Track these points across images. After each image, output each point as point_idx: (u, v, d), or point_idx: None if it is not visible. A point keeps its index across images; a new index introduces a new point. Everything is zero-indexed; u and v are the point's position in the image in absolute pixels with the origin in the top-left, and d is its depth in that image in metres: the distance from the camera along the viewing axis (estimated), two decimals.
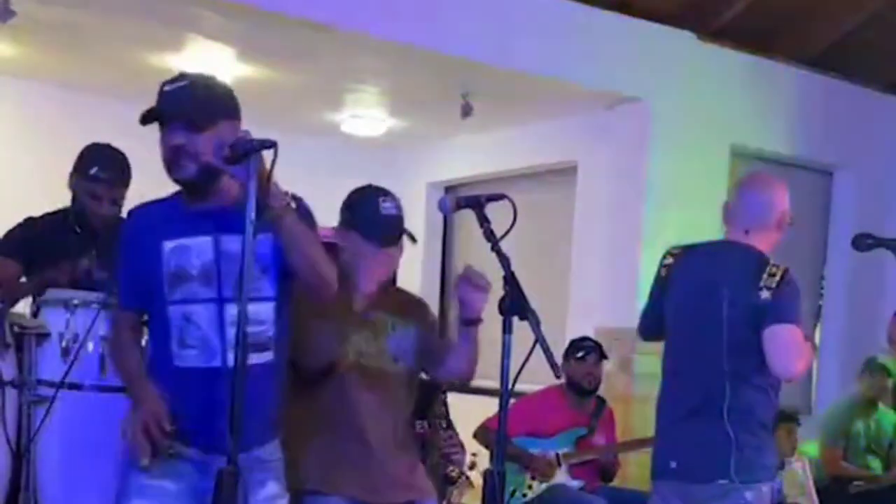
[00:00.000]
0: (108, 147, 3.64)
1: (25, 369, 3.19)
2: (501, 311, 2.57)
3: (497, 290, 2.60)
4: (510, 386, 2.55)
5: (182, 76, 2.57)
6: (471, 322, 2.97)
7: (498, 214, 2.71)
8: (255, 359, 2.50)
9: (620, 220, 6.34)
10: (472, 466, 4.87)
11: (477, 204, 2.71)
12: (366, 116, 7.21)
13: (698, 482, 3.22)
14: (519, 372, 2.50)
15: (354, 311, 3.04)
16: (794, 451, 5.63)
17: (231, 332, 2.48)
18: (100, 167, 3.56)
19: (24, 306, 3.49)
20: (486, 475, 2.58)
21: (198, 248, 2.54)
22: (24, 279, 3.64)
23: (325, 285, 2.58)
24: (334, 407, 3.00)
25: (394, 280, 3.31)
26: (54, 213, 3.71)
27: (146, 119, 2.52)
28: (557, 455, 4.93)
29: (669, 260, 3.44)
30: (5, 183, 6.30)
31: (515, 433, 4.73)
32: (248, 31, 5.53)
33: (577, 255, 6.76)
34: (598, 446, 5.05)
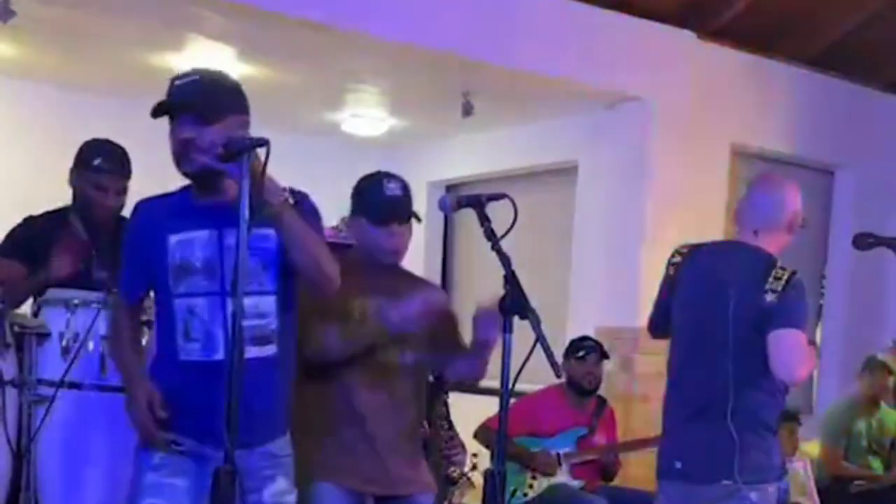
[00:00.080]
0: (107, 141, 3.66)
1: (26, 369, 3.19)
2: (502, 311, 2.57)
3: (497, 290, 2.60)
4: (511, 385, 2.55)
5: (193, 71, 2.62)
6: (489, 343, 3.02)
7: (498, 214, 2.71)
8: (256, 352, 2.52)
9: (621, 219, 6.34)
10: (474, 468, 4.88)
11: (477, 203, 2.71)
12: (366, 116, 7.21)
13: (703, 483, 3.22)
14: (519, 371, 2.50)
15: (362, 301, 3.03)
16: (795, 451, 5.63)
17: None
18: (103, 158, 3.57)
19: (24, 306, 3.49)
20: (487, 475, 2.58)
21: (201, 242, 2.57)
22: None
23: (326, 281, 2.58)
24: (338, 398, 3.00)
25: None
26: (54, 212, 3.71)
27: (157, 112, 2.56)
28: (558, 455, 4.93)
29: (677, 258, 3.42)
30: (5, 183, 6.29)
31: (516, 433, 4.73)
32: (248, 31, 5.53)
33: (577, 254, 6.75)
34: (599, 446, 5.05)
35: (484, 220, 2.67)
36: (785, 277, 3.17)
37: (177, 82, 2.58)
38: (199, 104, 2.53)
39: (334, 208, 4.32)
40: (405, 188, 3.08)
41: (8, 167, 6.52)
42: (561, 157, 6.99)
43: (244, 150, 2.36)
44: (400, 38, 5.43)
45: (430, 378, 3.42)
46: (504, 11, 5.69)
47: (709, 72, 6.37)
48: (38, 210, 3.73)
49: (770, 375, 3.17)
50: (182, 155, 2.55)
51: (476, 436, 4.84)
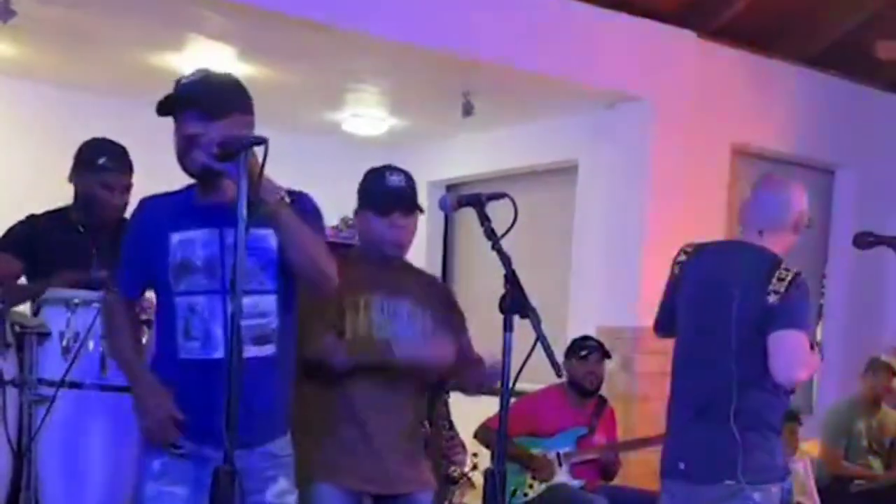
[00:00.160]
0: (107, 140, 3.68)
1: (26, 368, 3.19)
2: (502, 310, 2.57)
3: (498, 289, 2.60)
4: (511, 385, 2.55)
5: (199, 70, 2.64)
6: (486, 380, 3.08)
7: (499, 213, 2.71)
8: (255, 352, 2.52)
9: (621, 219, 6.34)
10: (475, 467, 4.87)
11: (478, 203, 2.71)
12: (367, 115, 7.21)
13: (706, 483, 3.21)
14: (520, 371, 2.50)
15: (365, 297, 3.03)
16: (795, 451, 5.63)
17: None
18: (108, 157, 3.59)
19: (24, 305, 3.49)
20: (487, 475, 2.58)
21: (203, 241, 2.57)
22: (24, 278, 3.64)
23: (324, 279, 2.58)
24: (338, 398, 3.00)
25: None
26: (55, 211, 3.72)
27: (162, 107, 2.57)
28: (558, 454, 4.92)
29: (682, 257, 3.42)
30: (5, 183, 6.29)
31: (516, 433, 4.72)
32: (248, 31, 5.53)
33: (577, 253, 6.75)
34: (599, 445, 5.05)
35: (484, 219, 2.67)
36: (788, 278, 3.16)
37: (183, 80, 2.60)
38: (204, 99, 2.54)
39: (334, 208, 4.33)
40: (409, 180, 3.09)
41: (8, 167, 6.51)
42: (561, 156, 6.99)
43: (240, 149, 2.36)
44: (400, 37, 5.43)
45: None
46: (504, 11, 5.69)
47: (709, 71, 6.36)
48: (37, 209, 3.74)
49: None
50: (185, 152, 2.55)
51: (476, 435, 4.83)
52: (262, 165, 2.37)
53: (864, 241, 3.27)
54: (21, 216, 3.71)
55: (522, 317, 2.54)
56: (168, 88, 2.61)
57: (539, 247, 6.70)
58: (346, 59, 5.93)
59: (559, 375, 2.65)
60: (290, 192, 2.55)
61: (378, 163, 3.22)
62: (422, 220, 3.17)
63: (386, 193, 3.05)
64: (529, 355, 2.45)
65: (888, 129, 7.19)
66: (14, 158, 6.56)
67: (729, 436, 3.14)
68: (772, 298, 3.14)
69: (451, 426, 4.56)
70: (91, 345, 3.20)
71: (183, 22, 5.42)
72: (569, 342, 5.18)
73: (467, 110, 6.38)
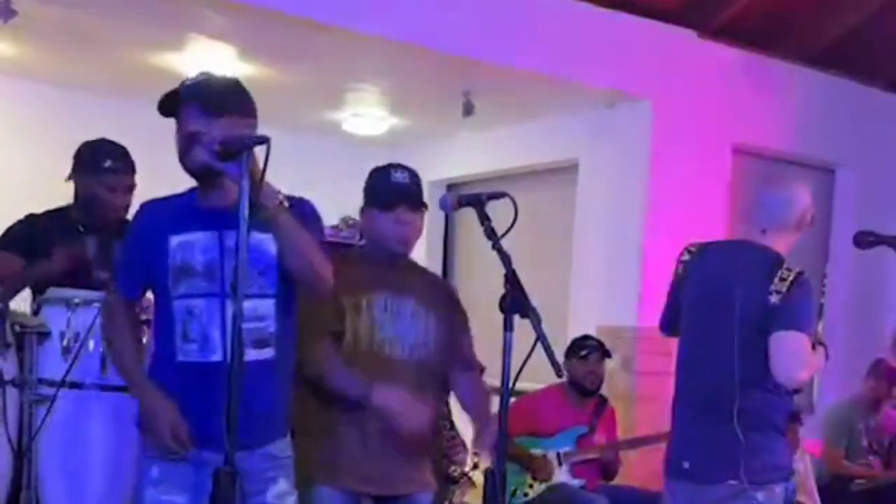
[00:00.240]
0: (107, 140, 3.68)
1: (26, 368, 3.19)
2: (502, 310, 2.56)
3: (498, 289, 2.60)
4: (511, 384, 2.55)
5: (202, 73, 2.65)
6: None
7: (499, 212, 2.71)
8: (254, 355, 2.52)
9: (622, 218, 6.33)
10: (475, 467, 4.87)
11: (478, 202, 2.70)
12: (367, 115, 7.21)
13: (709, 483, 3.21)
14: (520, 370, 2.50)
15: (363, 297, 3.03)
16: (796, 450, 5.62)
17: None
18: (112, 159, 3.61)
19: (25, 305, 3.49)
20: (487, 474, 2.58)
21: (203, 244, 2.56)
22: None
23: (319, 284, 2.58)
24: (338, 397, 3.00)
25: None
26: (55, 210, 3.72)
27: (164, 104, 2.57)
28: (558, 454, 4.92)
29: (686, 257, 3.42)
30: (4, 182, 6.29)
31: (516, 432, 4.72)
32: (249, 31, 5.52)
33: (578, 253, 6.75)
34: (600, 445, 5.05)
35: (484, 218, 2.67)
36: (791, 278, 3.15)
37: (186, 81, 2.61)
38: (205, 95, 2.54)
39: (335, 207, 4.32)
40: (414, 177, 3.10)
41: (8, 167, 6.51)
42: (561, 155, 6.98)
43: (242, 148, 2.34)
44: (401, 37, 5.43)
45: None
46: (504, 10, 5.68)
47: (709, 70, 6.36)
48: (37, 209, 3.74)
49: None
50: (186, 150, 2.55)
51: None
52: (264, 169, 2.35)
53: (865, 240, 3.27)
54: (20, 216, 3.72)
55: (523, 316, 2.53)
56: (168, 88, 2.61)
57: (539, 246, 6.70)
58: (347, 58, 5.93)
59: (559, 375, 2.65)
60: (289, 198, 2.54)
61: (378, 162, 3.22)
62: (427, 208, 3.15)
63: (391, 189, 3.05)
64: (529, 355, 2.44)
65: (889, 129, 7.18)
66: (14, 158, 6.56)
67: (732, 436, 3.14)
68: (773, 298, 3.14)
69: (452, 426, 4.56)
70: (91, 345, 3.20)
71: (183, 22, 5.42)
72: (569, 342, 5.18)
73: (468, 110, 6.37)
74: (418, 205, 3.08)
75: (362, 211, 3.17)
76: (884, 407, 6.18)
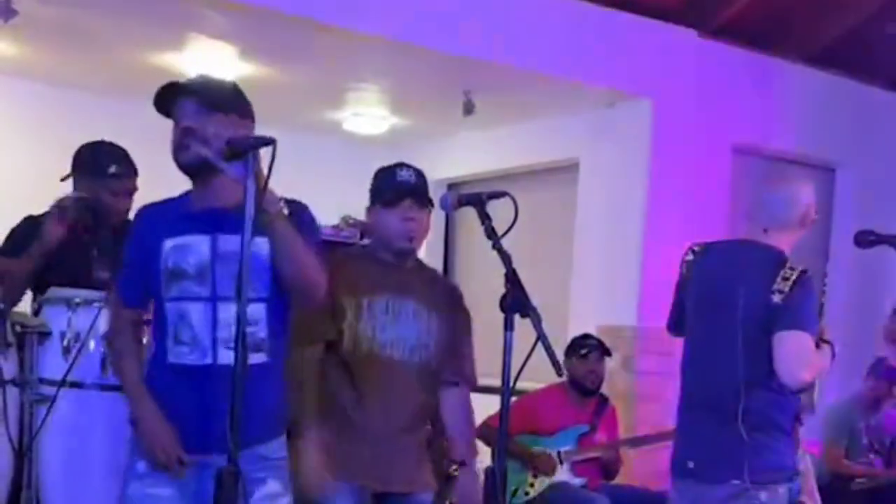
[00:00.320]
0: (108, 143, 3.68)
1: (27, 368, 3.20)
2: (503, 309, 2.56)
3: (498, 288, 2.60)
4: (512, 384, 2.55)
5: (200, 74, 2.69)
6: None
7: (499, 212, 2.71)
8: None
9: (622, 217, 6.33)
10: None
11: (478, 201, 2.70)
12: (367, 114, 7.20)
13: (713, 482, 3.21)
14: (520, 370, 2.50)
15: (365, 298, 3.03)
16: (797, 450, 5.62)
17: (223, 331, 2.50)
18: (117, 164, 3.61)
19: (25, 305, 3.49)
20: (488, 473, 2.58)
21: (195, 247, 2.56)
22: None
23: (312, 291, 2.58)
24: (338, 395, 3.00)
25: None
26: None
27: (160, 98, 2.56)
28: (559, 453, 4.92)
29: (690, 257, 3.42)
30: (5, 182, 6.29)
31: (517, 431, 4.73)
32: (249, 30, 5.52)
33: (578, 252, 6.75)
34: (601, 443, 5.05)
35: (485, 218, 2.67)
36: (793, 277, 3.15)
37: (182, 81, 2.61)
38: (201, 90, 2.55)
39: (335, 207, 4.32)
40: (420, 175, 3.10)
41: (8, 167, 6.51)
42: (562, 155, 6.98)
43: (248, 149, 2.33)
44: (401, 36, 5.43)
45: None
46: (505, 10, 5.68)
47: (710, 70, 6.36)
48: (38, 210, 3.73)
49: None
50: (181, 146, 2.54)
51: (477, 434, 4.82)
52: (269, 174, 2.34)
53: (865, 239, 3.27)
54: (20, 215, 3.71)
55: (523, 316, 2.54)
56: None
57: (540, 246, 6.70)
58: (348, 58, 5.93)
59: (560, 374, 2.65)
60: (289, 202, 2.54)
61: (379, 162, 3.22)
62: (434, 206, 3.14)
63: (396, 186, 3.06)
64: (530, 354, 2.44)
65: (889, 128, 7.18)
66: (14, 158, 6.56)
67: (736, 436, 3.14)
68: (776, 298, 3.14)
69: None
70: (92, 344, 3.20)
71: (184, 21, 5.42)
72: (569, 341, 5.18)
73: (468, 109, 6.37)
74: (424, 201, 3.07)
75: (368, 210, 3.16)
76: (884, 406, 6.18)
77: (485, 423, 4.75)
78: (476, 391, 3.36)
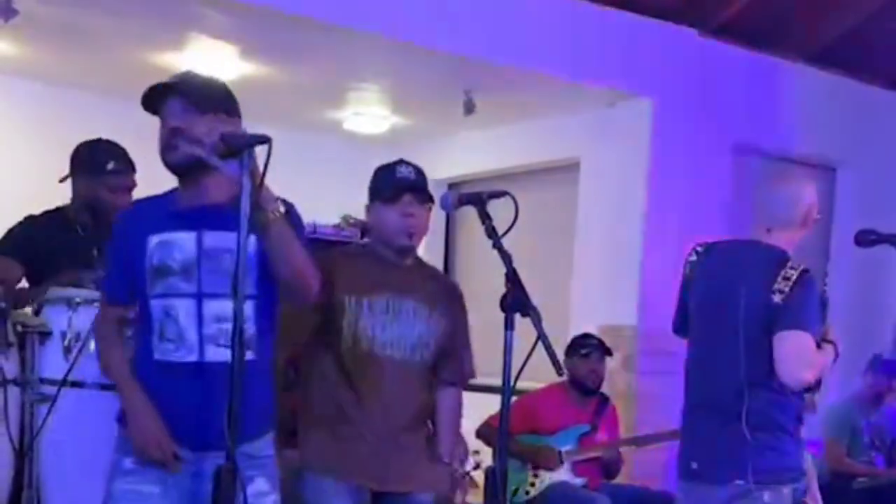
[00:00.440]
0: (106, 141, 3.68)
1: (28, 368, 3.19)
2: (503, 308, 2.57)
3: (499, 288, 2.60)
4: (512, 383, 2.55)
5: (186, 71, 2.64)
6: None
7: (500, 211, 2.71)
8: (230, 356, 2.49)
9: (623, 217, 6.33)
10: (477, 466, 4.87)
11: (479, 201, 2.71)
12: (368, 114, 7.20)
13: (716, 483, 3.21)
14: (521, 369, 2.50)
15: (365, 297, 3.02)
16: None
17: (209, 328, 2.49)
18: (114, 160, 3.61)
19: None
20: (489, 473, 2.59)
21: (181, 244, 2.54)
22: (24, 280, 3.64)
23: (305, 290, 2.56)
24: (337, 394, 3.01)
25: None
26: (53, 211, 3.72)
27: (147, 99, 2.54)
28: (560, 452, 4.92)
29: (693, 257, 3.42)
30: (5, 182, 6.29)
31: (518, 430, 4.73)
32: (250, 30, 5.53)
33: (579, 252, 6.75)
34: (601, 443, 5.04)
35: (485, 217, 2.67)
36: (794, 277, 3.15)
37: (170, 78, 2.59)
38: (188, 89, 2.53)
39: (336, 206, 4.32)
40: (419, 172, 3.10)
41: (8, 166, 6.51)
42: (562, 154, 6.98)
43: (244, 146, 2.31)
44: (402, 36, 5.43)
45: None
46: (505, 10, 5.69)
47: (710, 69, 6.36)
48: (38, 209, 3.74)
49: None
50: (168, 146, 2.52)
51: (478, 434, 4.83)
52: (264, 172, 2.32)
53: (866, 239, 3.27)
54: (20, 214, 3.71)
55: (523, 315, 2.54)
56: None
57: (540, 245, 6.70)
58: (348, 57, 5.93)
59: (560, 374, 2.65)
60: (284, 202, 2.52)
61: (379, 161, 3.22)
62: (434, 202, 3.13)
63: (395, 182, 3.07)
64: (530, 354, 2.44)
65: (890, 127, 7.18)
66: (14, 158, 6.56)
67: (739, 436, 3.14)
68: (777, 298, 3.13)
69: None
70: (92, 344, 3.19)
71: (184, 21, 5.42)
72: (570, 340, 5.18)
73: (469, 108, 6.37)
74: (424, 197, 3.07)
75: (368, 208, 3.16)
76: (885, 402, 6.18)
77: (485, 423, 4.77)
78: (476, 391, 3.36)
